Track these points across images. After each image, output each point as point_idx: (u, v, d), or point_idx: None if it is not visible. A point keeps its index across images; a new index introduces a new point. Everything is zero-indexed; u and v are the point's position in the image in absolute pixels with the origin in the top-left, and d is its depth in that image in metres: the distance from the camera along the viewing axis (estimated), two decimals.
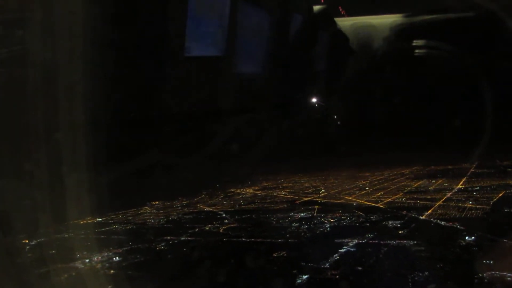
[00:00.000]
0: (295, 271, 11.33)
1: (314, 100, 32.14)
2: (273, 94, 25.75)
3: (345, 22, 28.07)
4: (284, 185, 30.81)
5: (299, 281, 10.63)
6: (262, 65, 24.17)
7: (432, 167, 30.64)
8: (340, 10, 28.22)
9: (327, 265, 11.56)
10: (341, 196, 23.08)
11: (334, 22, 27.06)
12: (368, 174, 31.54)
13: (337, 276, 10.61)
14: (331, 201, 21.73)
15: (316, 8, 26.26)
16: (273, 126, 27.98)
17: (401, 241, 12.84)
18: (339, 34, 27.00)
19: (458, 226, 13.69)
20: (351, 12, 27.90)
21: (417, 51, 27.04)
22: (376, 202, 19.83)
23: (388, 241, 13.01)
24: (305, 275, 10.89)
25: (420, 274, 9.97)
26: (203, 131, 24.73)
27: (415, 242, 12.61)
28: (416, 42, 26.91)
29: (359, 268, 10.99)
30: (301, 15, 24.92)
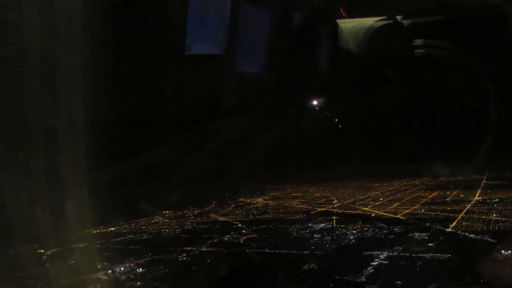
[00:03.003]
0: (331, 285, 11.00)
1: (315, 102, 31.80)
2: (274, 94, 25.48)
3: (346, 24, 27.98)
4: (294, 195, 30.57)
5: None
6: (263, 65, 23.93)
7: (442, 178, 30.49)
8: (341, 11, 27.97)
9: (363, 278, 11.25)
10: (356, 206, 22.83)
11: (335, 22, 26.90)
12: (377, 184, 31.37)
13: None
14: (348, 211, 21.46)
15: (317, 7, 26.14)
16: (274, 127, 27.64)
17: (435, 255, 12.56)
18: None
19: (489, 240, 13.43)
20: (352, 13, 27.68)
21: (418, 51, 26.73)
22: (395, 213, 19.57)
23: (421, 254, 12.71)
24: None
25: None
26: (204, 131, 24.45)
27: (449, 255, 12.33)
28: (419, 43, 26.65)
29: (398, 282, 10.69)
30: (301, 15, 24.84)
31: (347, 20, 27.62)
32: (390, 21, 26.01)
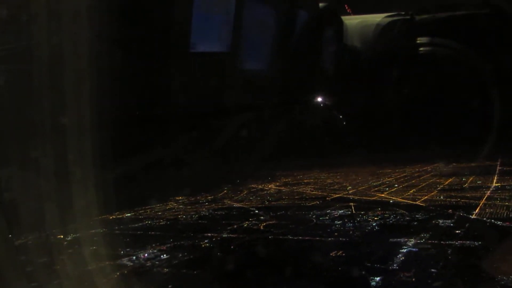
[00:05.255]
0: (363, 272, 10.84)
1: (319, 99, 31.54)
2: (278, 91, 25.33)
3: (351, 21, 27.68)
4: (306, 181, 30.39)
5: (373, 283, 10.15)
6: (267, 62, 23.75)
7: (454, 164, 30.30)
8: (346, 8, 27.67)
9: (395, 266, 11.10)
10: (372, 193, 22.66)
11: (340, 20, 26.61)
12: (389, 170, 31.15)
13: (413, 279, 10.14)
14: (364, 198, 21.29)
15: (322, 5, 25.80)
16: (279, 123, 27.55)
17: (464, 242, 12.41)
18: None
19: None
20: (357, 10, 27.42)
21: (423, 48, 26.72)
22: (414, 200, 19.42)
23: (450, 242, 12.55)
24: (377, 276, 10.40)
25: (505, 278, 9.51)
26: (209, 128, 24.35)
27: (479, 243, 12.16)
28: (424, 40, 26.60)
29: (432, 270, 10.51)
30: (306, 12, 24.51)
31: (352, 16, 27.28)
32: (399, 18, 25.72)
